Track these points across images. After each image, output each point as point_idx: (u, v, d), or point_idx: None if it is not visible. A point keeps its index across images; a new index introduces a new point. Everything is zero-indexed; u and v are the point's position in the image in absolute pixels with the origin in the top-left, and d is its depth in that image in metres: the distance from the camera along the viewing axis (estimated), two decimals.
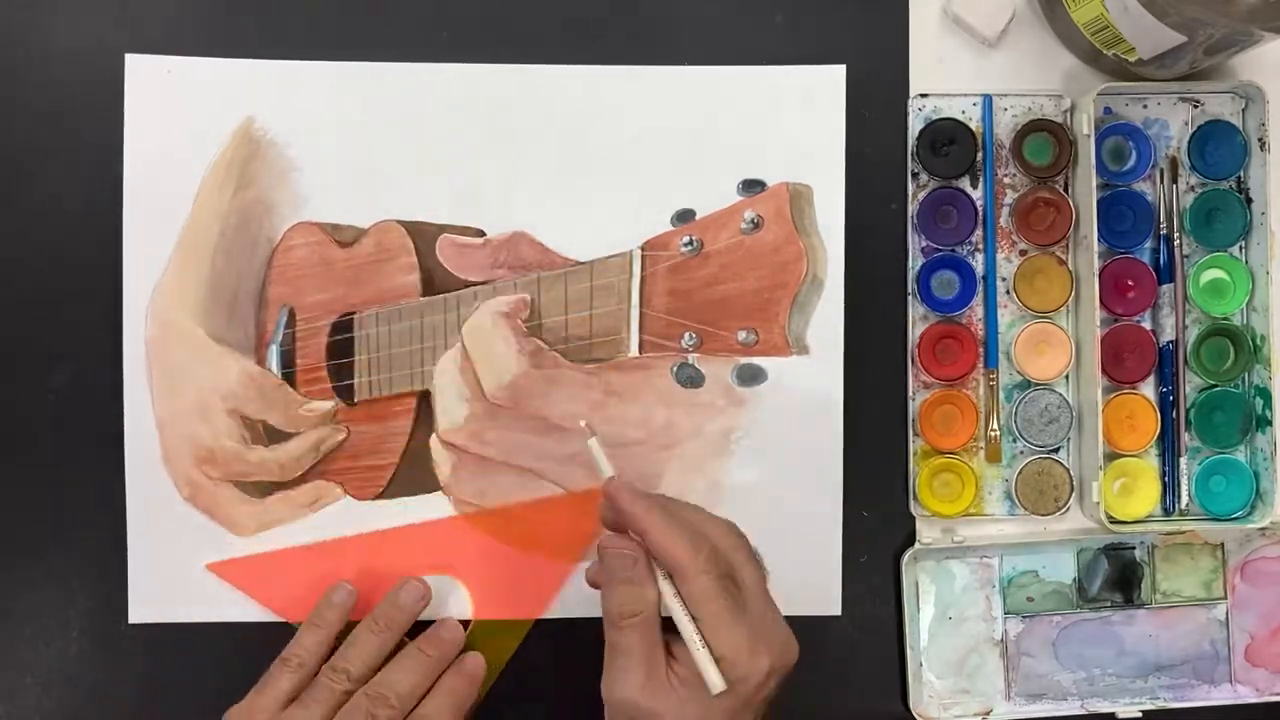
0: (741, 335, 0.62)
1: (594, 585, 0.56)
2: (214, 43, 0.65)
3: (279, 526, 0.65)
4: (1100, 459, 0.64)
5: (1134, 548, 0.67)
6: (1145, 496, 0.66)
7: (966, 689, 0.67)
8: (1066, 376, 0.66)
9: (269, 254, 0.65)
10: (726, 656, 0.51)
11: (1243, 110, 0.66)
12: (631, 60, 0.65)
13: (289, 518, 0.65)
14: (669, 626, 0.52)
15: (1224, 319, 0.66)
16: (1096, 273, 0.64)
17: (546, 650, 0.66)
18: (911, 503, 0.66)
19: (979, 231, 0.66)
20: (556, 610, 0.66)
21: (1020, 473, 0.66)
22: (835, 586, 0.66)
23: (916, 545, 0.66)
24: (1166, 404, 0.66)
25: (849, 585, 0.66)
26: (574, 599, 0.66)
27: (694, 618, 0.51)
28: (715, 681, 0.50)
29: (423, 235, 0.65)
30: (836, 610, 0.66)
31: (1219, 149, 0.66)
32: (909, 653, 0.66)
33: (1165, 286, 0.66)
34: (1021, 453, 0.66)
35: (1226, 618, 0.68)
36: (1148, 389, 0.66)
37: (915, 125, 0.66)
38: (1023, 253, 0.66)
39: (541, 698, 0.67)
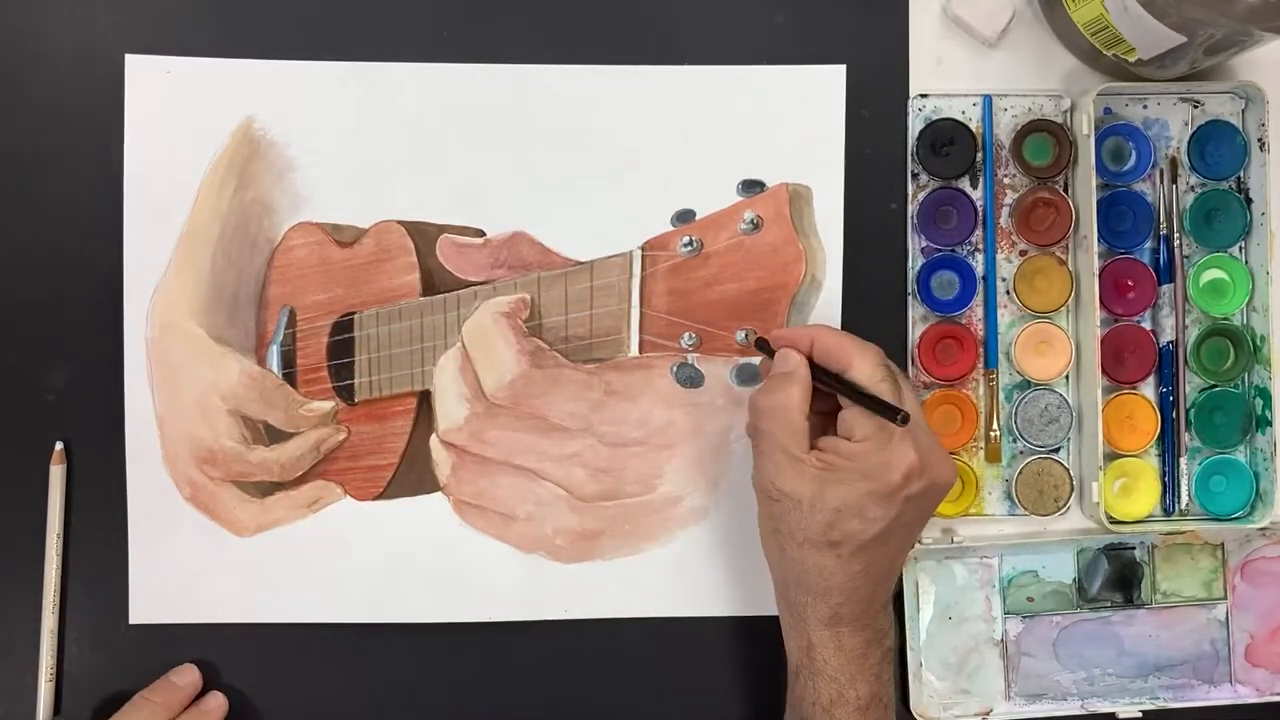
0: (741, 335, 0.62)
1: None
2: (214, 43, 0.65)
3: (279, 527, 0.65)
4: (1100, 459, 0.64)
5: (1134, 548, 0.67)
6: (1145, 496, 0.66)
7: (966, 689, 0.67)
8: (1066, 376, 0.66)
9: (269, 254, 0.65)
10: (876, 436, 0.54)
11: (1243, 110, 0.66)
12: (631, 60, 0.65)
13: (289, 518, 0.65)
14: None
15: (1224, 319, 0.66)
16: (1096, 273, 0.64)
17: (548, 650, 0.66)
18: None
19: (979, 232, 0.66)
20: (558, 611, 0.66)
21: (1020, 473, 0.66)
22: None
23: (916, 545, 0.66)
24: (1166, 404, 0.66)
25: None
26: (576, 599, 0.66)
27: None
28: (900, 415, 0.52)
29: (423, 235, 0.65)
30: None
31: (1219, 149, 0.66)
32: (909, 653, 0.66)
33: (1165, 287, 0.66)
34: (1021, 453, 0.66)
35: (1226, 618, 0.68)
36: (1148, 389, 0.66)
37: (915, 125, 0.66)
38: (1023, 253, 0.66)
39: (542, 697, 0.67)
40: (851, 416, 0.55)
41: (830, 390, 0.56)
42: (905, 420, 0.53)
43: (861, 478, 0.54)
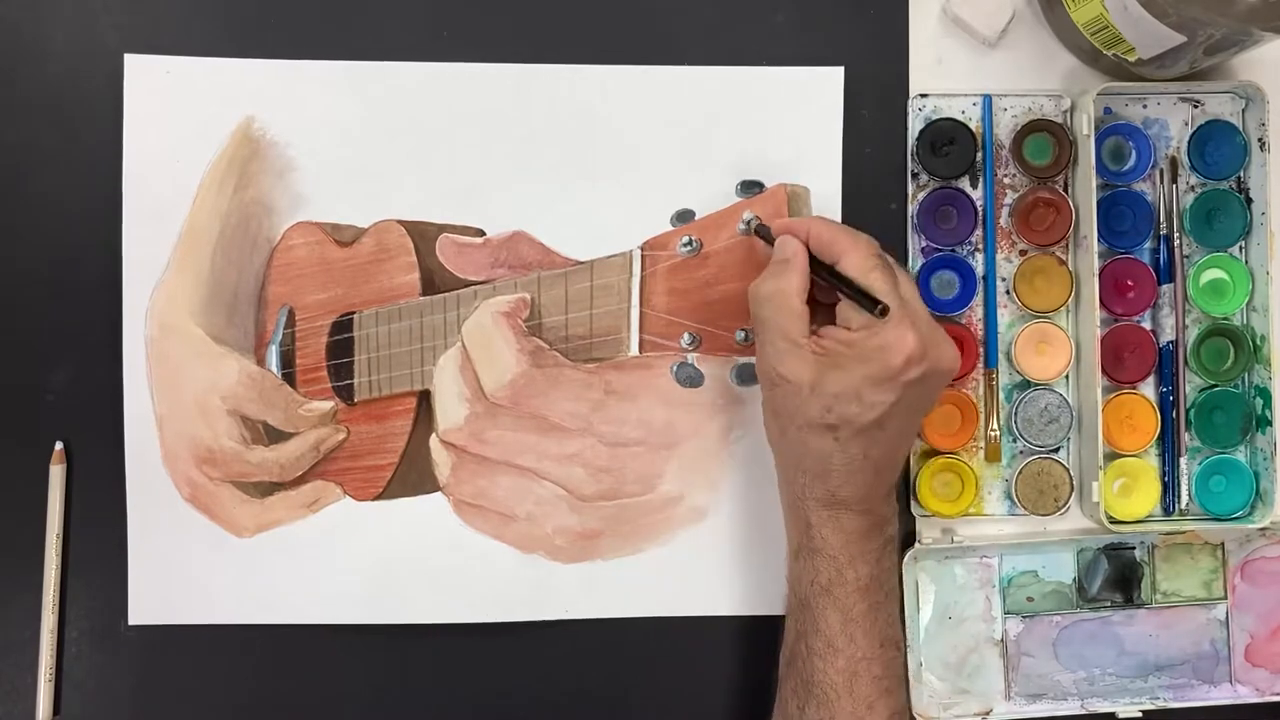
0: (741, 335, 0.62)
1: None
2: (214, 43, 0.65)
3: (279, 527, 0.65)
4: (1100, 459, 0.64)
5: (1134, 548, 0.67)
6: (1145, 496, 0.66)
7: (966, 689, 0.67)
8: (1066, 376, 0.66)
9: (269, 254, 0.65)
10: (873, 323, 0.54)
11: (1243, 110, 0.66)
12: (631, 60, 0.65)
13: (289, 518, 0.65)
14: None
15: (1224, 319, 0.66)
16: (1096, 273, 0.64)
17: (548, 650, 0.66)
18: (911, 503, 0.66)
19: (979, 232, 0.66)
20: (558, 611, 0.66)
21: (1020, 473, 0.66)
22: None
23: (916, 545, 0.66)
24: (1166, 404, 0.66)
25: None
26: (576, 599, 0.66)
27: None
28: (879, 307, 0.53)
29: (423, 235, 0.65)
30: None
31: (1219, 149, 0.66)
32: (909, 653, 0.66)
33: (1165, 286, 0.66)
34: (1021, 453, 0.66)
35: (1226, 618, 0.68)
36: (1148, 389, 0.66)
37: (915, 125, 0.66)
38: (1023, 253, 0.66)
39: (541, 697, 0.67)
40: (848, 306, 0.55)
41: (822, 281, 0.56)
42: (884, 313, 0.53)
43: (859, 362, 0.54)
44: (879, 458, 0.56)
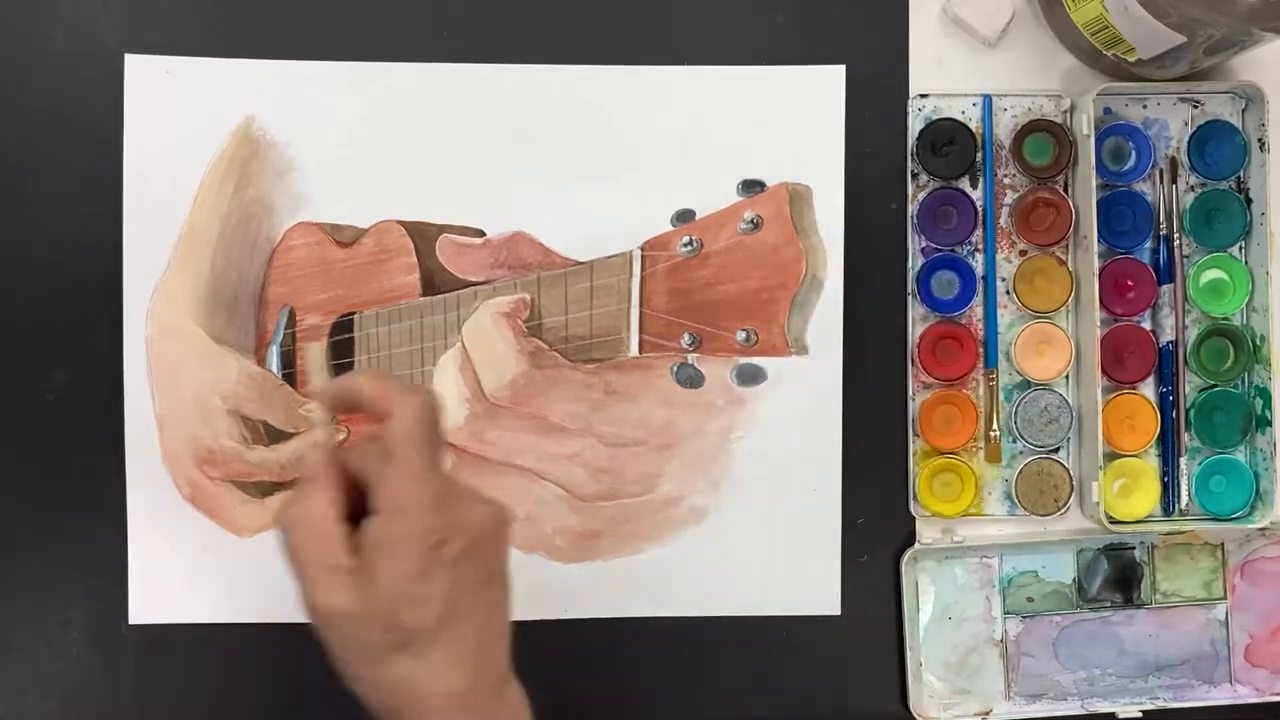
0: (741, 335, 0.62)
1: None
2: (214, 43, 0.65)
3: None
4: (1100, 459, 0.64)
5: (1134, 548, 0.67)
6: (1145, 496, 0.66)
7: (966, 689, 0.67)
8: (1066, 377, 0.66)
9: (269, 254, 0.65)
10: (388, 510, 0.47)
11: (1242, 111, 0.66)
12: (631, 60, 0.65)
13: None
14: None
15: (1224, 319, 0.66)
16: (1096, 273, 0.64)
17: (548, 650, 0.66)
18: (911, 503, 0.66)
19: (979, 232, 0.66)
20: (558, 611, 0.66)
21: (1020, 473, 0.66)
22: (835, 586, 0.66)
23: (916, 545, 0.66)
24: (1166, 404, 0.66)
25: (849, 585, 0.66)
26: (576, 599, 0.66)
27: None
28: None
29: (423, 235, 0.65)
30: (836, 610, 0.66)
31: (1219, 149, 0.66)
32: (909, 653, 0.66)
33: (1165, 287, 0.66)
34: (1021, 453, 0.66)
35: (1226, 618, 0.68)
36: (1148, 389, 0.66)
37: (915, 125, 0.66)
38: (1023, 253, 0.66)
39: (540, 698, 0.67)
40: (371, 496, 0.47)
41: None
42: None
43: (391, 559, 0.46)
44: (468, 656, 0.48)
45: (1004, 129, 0.66)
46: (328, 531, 0.47)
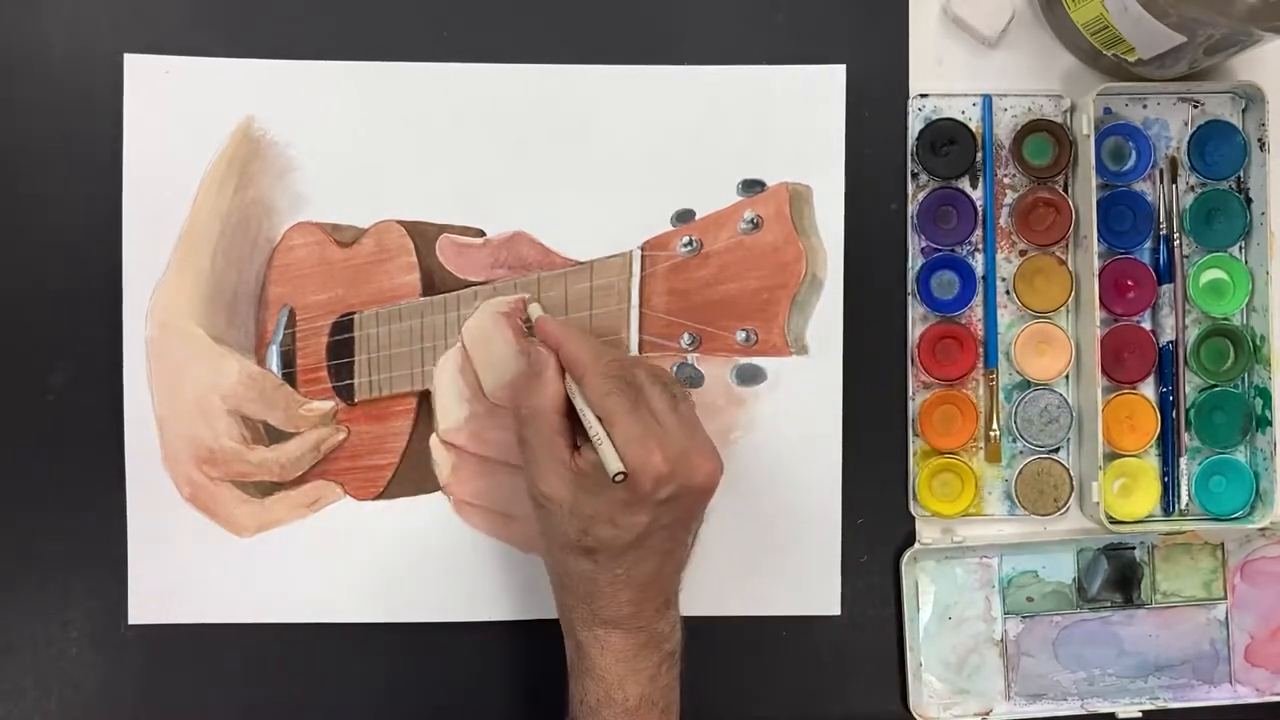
0: (741, 335, 0.62)
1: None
2: (214, 43, 0.65)
3: (279, 527, 0.65)
4: (1100, 459, 0.64)
5: (1134, 548, 0.67)
6: (1145, 496, 0.66)
7: (966, 689, 0.67)
8: (1066, 376, 0.66)
9: (269, 254, 0.65)
10: (618, 449, 0.53)
11: (1242, 111, 0.66)
12: (631, 60, 0.65)
13: (289, 518, 0.65)
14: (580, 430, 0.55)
15: (1224, 319, 0.66)
16: (1096, 273, 0.64)
17: (548, 650, 0.66)
18: (911, 503, 0.66)
19: (979, 232, 0.66)
20: (556, 610, 0.66)
21: (1020, 473, 0.66)
22: (835, 586, 0.66)
23: (916, 545, 0.66)
24: (1166, 404, 0.66)
25: (849, 585, 0.66)
26: None
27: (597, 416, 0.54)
28: (613, 464, 0.52)
29: (423, 235, 0.65)
30: (836, 610, 0.66)
31: (1219, 149, 0.66)
32: (909, 653, 0.66)
33: (1165, 287, 0.66)
34: (1021, 453, 0.66)
35: (1226, 618, 0.68)
36: (1148, 389, 0.66)
37: (915, 125, 0.66)
38: (1022, 253, 0.66)
39: (541, 698, 0.67)
40: (606, 421, 0.54)
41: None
42: (620, 478, 0.52)
43: (609, 485, 0.53)
44: (643, 577, 0.55)
45: (1004, 129, 0.66)
46: (556, 426, 0.55)
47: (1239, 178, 0.66)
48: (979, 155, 0.66)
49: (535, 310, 0.63)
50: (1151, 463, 0.66)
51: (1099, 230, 0.64)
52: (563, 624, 0.58)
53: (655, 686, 0.56)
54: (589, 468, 0.54)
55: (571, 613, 0.57)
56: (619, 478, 0.52)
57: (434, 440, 0.65)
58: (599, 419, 0.54)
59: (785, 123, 0.65)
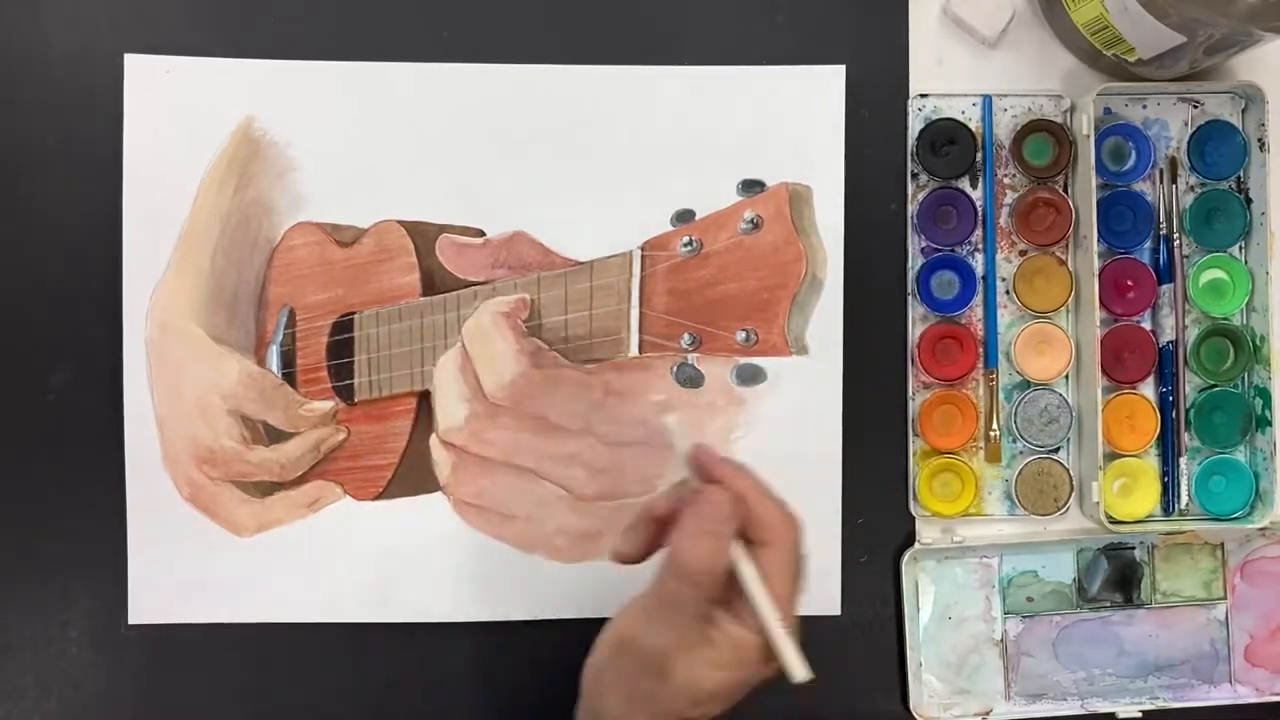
0: (741, 335, 0.62)
1: (652, 521, 0.52)
2: (214, 43, 0.65)
3: (279, 527, 0.65)
4: (1100, 459, 0.64)
5: (1134, 548, 0.67)
6: (1145, 496, 0.66)
7: (966, 689, 0.67)
8: (1066, 376, 0.66)
9: (269, 254, 0.65)
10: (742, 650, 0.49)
11: (1242, 111, 0.66)
12: (631, 60, 0.65)
13: (289, 518, 0.65)
14: None
15: (1224, 319, 0.66)
16: (1096, 273, 0.64)
17: (547, 650, 0.66)
18: (911, 503, 0.66)
19: (978, 232, 0.66)
20: (558, 611, 0.66)
21: (1020, 473, 0.66)
22: (835, 586, 0.66)
23: (916, 545, 0.66)
24: (1166, 404, 0.66)
25: (849, 585, 0.66)
26: (576, 599, 0.66)
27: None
28: (800, 673, 0.48)
29: (423, 235, 0.65)
30: (836, 610, 0.66)
31: (1219, 149, 0.66)
32: (909, 653, 0.66)
33: (1165, 287, 0.66)
34: (1021, 453, 0.66)
35: (1226, 618, 0.68)
36: (1147, 389, 0.66)
37: (915, 125, 0.66)
38: (1022, 253, 0.66)
39: (541, 698, 0.67)
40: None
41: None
42: (808, 682, 0.47)
43: (734, 669, 0.49)
44: None
45: (1004, 129, 0.66)
46: (715, 603, 0.49)
47: (1239, 178, 0.66)
48: (979, 155, 0.66)
49: (680, 439, 0.52)
50: (1151, 463, 0.66)
51: (1099, 230, 0.64)
52: None
53: None
54: (731, 650, 0.48)
55: None
56: (801, 680, 0.47)
57: (434, 440, 0.65)
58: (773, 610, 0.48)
59: (785, 123, 0.65)
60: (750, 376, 0.64)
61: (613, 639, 0.51)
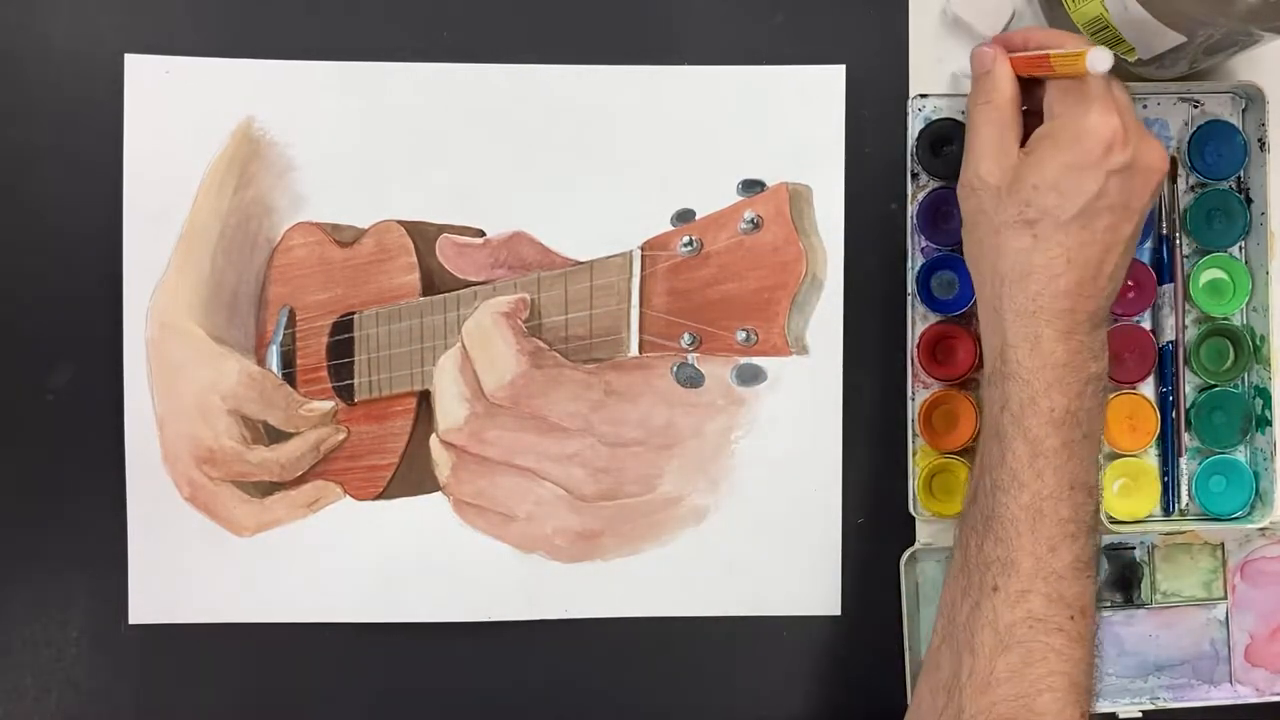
0: (741, 335, 0.62)
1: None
2: (214, 43, 0.65)
3: (279, 527, 0.65)
4: (1100, 459, 0.64)
5: (1134, 548, 0.67)
6: (1145, 496, 0.66)
7: None
8: None
9: (269, 254, 0.65)
10: (1074, 109, 0.54)
11: (1243, 111, 0.66)
12: (631, 60, 0.65)
13: (289, 518, 0.65)
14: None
15: (1224, 319, 0.66)
16: None
17: (548, 650, 0.66)
18: (911, 503, 0.66)
19: None
20: (558, 611, 0.66)
21: None
22: (835, 586, 0.66)
23: (916, 545, 0.66)
24: (1166, 404, 0.66)
25: (849, 585, 0.66)
26: (576, 599, 0.66)
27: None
28: (1099, 60, 0.52)
29: (423, 235, 0.65)
30: (836, 610, 0.66)
31: (1219, 149, 0.66)
32: (909, 653, 0.66)
33: (1165, 286, 0.66)
34: None
35: (1226, 618, 0.68)
36: (1148, 389, 0.66)
37: (915, 125, 0.66)
38: None
39: (541, 697, 0.67)
40: (1051, 96, 0.55)
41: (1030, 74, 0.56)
42: (1102, 67, 0.52)
43: (1058, 150, 0.53)
44: (1083, 262, 0.53)
45: None
46: (1008, 125, 0.56)
47: (1239, 178, 0.66)
48: None
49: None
50: (1151, 463, 0.66)
51: None
52: (986, 325, 0.57)
53: (1080, 404, 0.53)
54: (1036, 141, 0.54)
55: (1002, 301, 0.54)
56: (1100, 65, 0.52)
57: (434, 440, 0.65)
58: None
59: (785, 123, 0.65)
60: (750, 376, 0.64)
61: (960, 203, 0.58)
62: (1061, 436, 0.53)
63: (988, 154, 0.55)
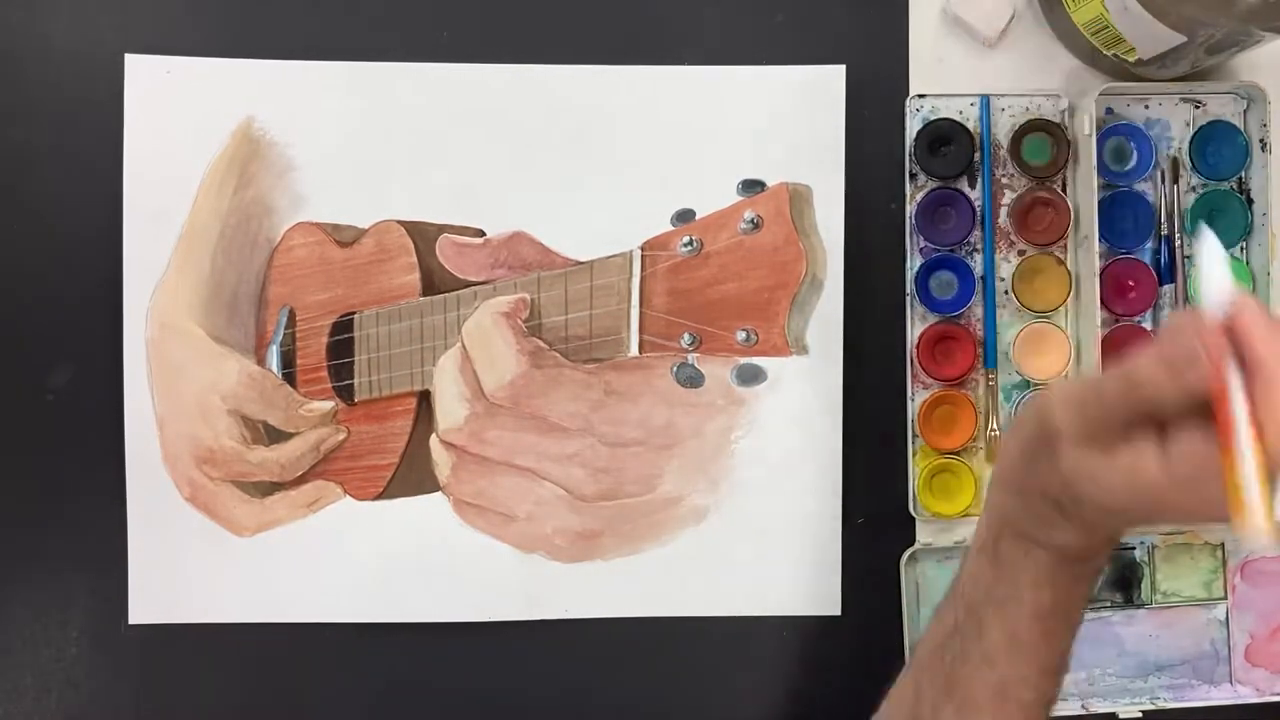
0: (741, 335, 0.62)
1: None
2: (214, 43, 0.65)
3: (279, 527, 0.65)
4: None
5: (1134, 548, 0.67)
6: None
7: None
8: (1066, 376, 0.66)
9: (269, 254, 0.65)
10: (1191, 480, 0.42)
11: (1244, 111, 0.66)
12: (631, 60, 0.65)
13: (289, 518, 0.65)
14: None
15: None
16: (1097, 273, 0.64)
17: (548, 650, 0.66)
18: (911, 503, 0.66)
19: (977, 232, 0.66)
20: (558, 611, 0.66)
21: None
22: (835, 586, 0.66)
23: (916, 545, 0.66)
24: None
25: (849, 585, 0.66)
26: (576, 599, 0.66)
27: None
28: (1267, 541, 0.40)
29: (423, 235, 0.65)
30: (836, 610, 0.66)
31: (1220, 150, 0.66)
32: (909, 653, 0.66)
33: (1166, 287, 0.66)
34: None
35: (1226, 618, 0.68)
36: None
37: (913, 126, 0.66)
38: (1021, 253, 0.66)
39: (541, 697, 0.67)
40: (1191, 443, 0.42)
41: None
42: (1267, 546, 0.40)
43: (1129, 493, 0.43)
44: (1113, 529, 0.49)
45: (1002, 129, 0.66)
46: (1106, 417, 0.43)
47: (1240, 178, 0.66)
48: (977, 155, 0.66)
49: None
50: None
51: (1100, 230, 0.64)
52: (990, 506, 0.51)
53: (1068, 595, 0.49)
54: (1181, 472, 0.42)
55: (1013, 512, 0.49)
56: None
57: (434, 440, 0.65)
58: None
59: (785, 123, 0.65)
60: (750, 376, 0.64)
61: (1013, 438, 0.48)
62: (1042, 627, 0.50)
63: (1071, 446, 0.45)
